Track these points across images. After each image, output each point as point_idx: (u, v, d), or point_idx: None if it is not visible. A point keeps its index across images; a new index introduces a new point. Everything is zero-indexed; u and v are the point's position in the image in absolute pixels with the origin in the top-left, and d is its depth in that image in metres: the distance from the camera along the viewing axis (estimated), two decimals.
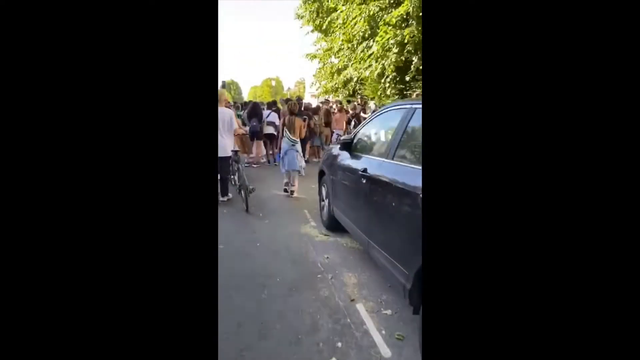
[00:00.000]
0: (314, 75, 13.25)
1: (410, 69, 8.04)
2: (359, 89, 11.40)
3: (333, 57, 12.56)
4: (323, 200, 3.63)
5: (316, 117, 7.83)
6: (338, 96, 12.38)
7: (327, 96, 12.43)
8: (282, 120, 4.94)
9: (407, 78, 8.17)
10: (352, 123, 8.27)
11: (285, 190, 4.85)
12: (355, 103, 8.45)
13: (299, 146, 4.69)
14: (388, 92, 9.03)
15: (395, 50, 8.05)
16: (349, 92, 11.83)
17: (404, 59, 8.05)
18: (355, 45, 9.54)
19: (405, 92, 8.96)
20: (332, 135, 7.89)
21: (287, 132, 4.59)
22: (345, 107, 8.61)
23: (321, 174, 3.72)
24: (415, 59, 7.87)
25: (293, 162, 4.56)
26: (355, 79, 10.64)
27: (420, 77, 8.32)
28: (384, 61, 8.31)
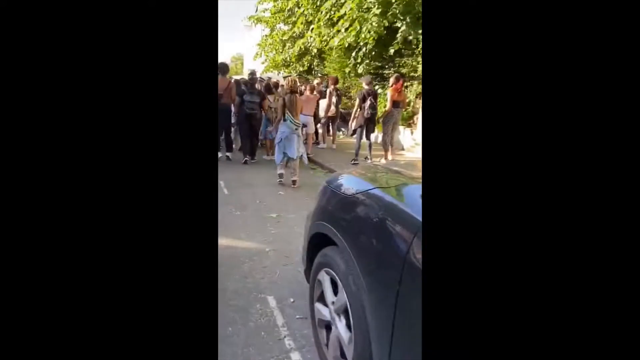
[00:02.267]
0: (258, 45, 10.54)
1: (395, 38, 6.02)
2: (318, 65, 9.12)
3: (282, 23, 10.02)
4: (334, 328, 1.37)
5: (270, 98, 5.44)
6: (290, 72, 9.95)
7: (278, 72, 9.91)
8: (280, 100, 4.24)
9: (391, 51, 6.14)
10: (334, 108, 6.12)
11: (281, 183, 4.27)
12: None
13: (300, 131, 4.31)
14: (360, 70, 6.93)
15: (376, 11, 5.94)
16: (304, 68, 9.48)
17: (387, 24, 5.99)
18: (319, 3, 7.17)
19: (382, 72, 6.97)
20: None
21: (289, 114, 4.05)
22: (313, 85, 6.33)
23: (315, 251, 1.50)
24: (403, 26, 5.85)
25: (292, 148, 4.10)
26: (315, 51, 8.32)
27: (407, 50, 6.35)
28: (360, 26, 6.15)
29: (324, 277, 1.44)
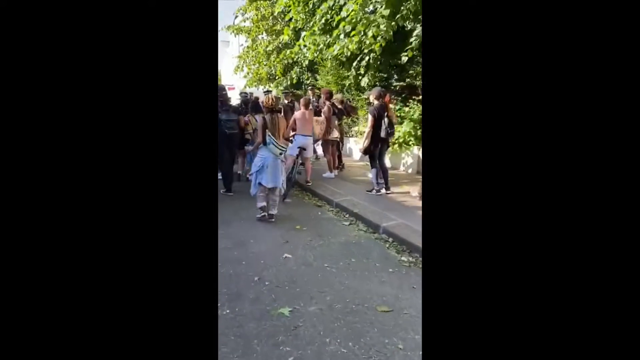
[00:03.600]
0: (239, 57, 9.42)
1: (406, 44, 5.04)
2: (308, 78, 8.06)
3: (264, 33, 8.97)
4: None
5: (257, 118, 4.28)
6: (276, 87, 8.85)
7: (262, 87, 8.78)
8: (260, 120, 3.52)
9: (404, 59, 5.14)
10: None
11: (264, 217, 3.52)
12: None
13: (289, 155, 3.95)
14: (364, 83, 5.91)
15: (384, 12, 4.96)
16: (291, 82, 8.41)
17: (396, 27, 5.02)
18: (313, 7, 6.14)
19: (389, 85, 5.97)
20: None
21: (272, 137, 3.38)
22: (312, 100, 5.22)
23: None
24: (417, 29, 4.89)
25: (274, 175, 3.42)
26: (305, 63, 7.25)
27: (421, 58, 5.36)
28: (365, 30, 5.14)
29: None
